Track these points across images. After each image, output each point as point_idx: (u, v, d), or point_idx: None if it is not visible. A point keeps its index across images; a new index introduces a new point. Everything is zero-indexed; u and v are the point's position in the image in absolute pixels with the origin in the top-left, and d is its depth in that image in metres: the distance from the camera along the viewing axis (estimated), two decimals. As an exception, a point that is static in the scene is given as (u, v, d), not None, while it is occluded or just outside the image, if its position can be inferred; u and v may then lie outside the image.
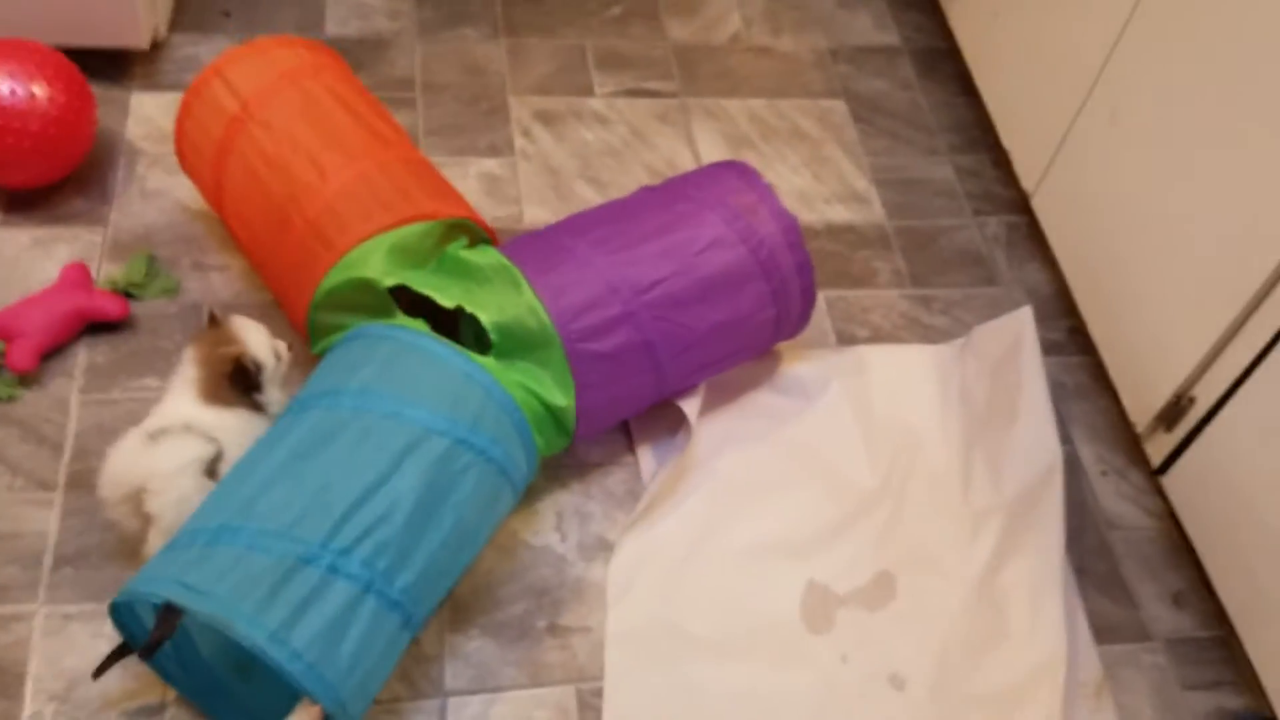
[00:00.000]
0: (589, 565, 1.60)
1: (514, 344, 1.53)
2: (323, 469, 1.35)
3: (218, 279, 1.81)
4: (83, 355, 1.69)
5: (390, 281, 1.54)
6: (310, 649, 1.24)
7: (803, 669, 1.54)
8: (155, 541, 1.41)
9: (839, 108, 2.29)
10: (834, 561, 1.65)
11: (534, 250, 1.59)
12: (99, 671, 1.31)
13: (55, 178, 1.85)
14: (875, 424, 1.80)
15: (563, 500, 1.66)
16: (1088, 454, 1.83)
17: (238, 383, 1.48)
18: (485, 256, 1.57)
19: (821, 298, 1.97)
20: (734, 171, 1.72)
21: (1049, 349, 1.91)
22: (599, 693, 1.48)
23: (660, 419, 1.72)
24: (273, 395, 1.52)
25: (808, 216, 2.09)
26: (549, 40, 2.31)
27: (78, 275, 1.73)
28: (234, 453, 1.43)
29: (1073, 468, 1.80)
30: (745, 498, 1.69)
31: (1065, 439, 1.83)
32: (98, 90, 1.94)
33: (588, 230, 1.62)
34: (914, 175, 2.20)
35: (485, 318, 1.53)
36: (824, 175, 2.17)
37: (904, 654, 1.56)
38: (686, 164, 2.13)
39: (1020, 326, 1.83)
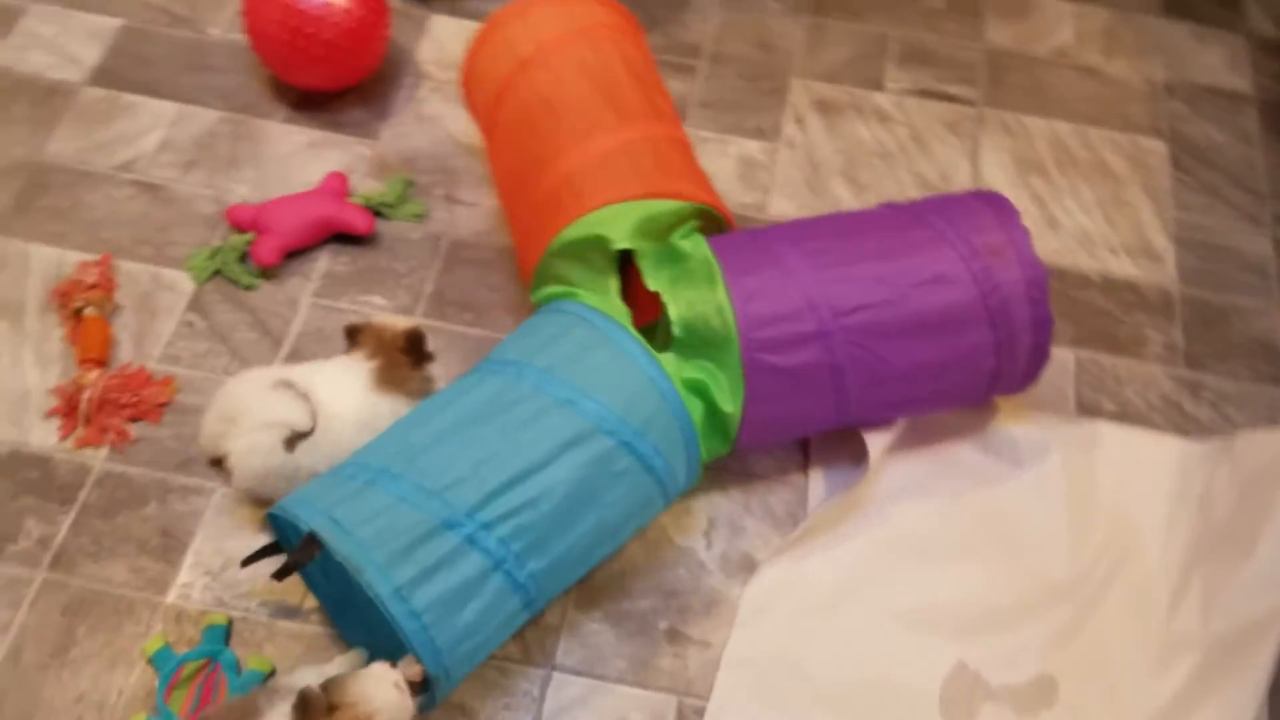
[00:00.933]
0: (727, 580, 1.54)
1: (697, 340, 1.48)
2: (488, 440, 1.36)
3: (464, 215, 1.87)
4: (323, 261, 1.80)
5: (624, 245, 1.52)
6: (429, 611, 1.27)
7: (922, 752, 1.42)
8: (236, 480, 1.48)
9: (1158, 149, 2.03)
10: (995, 649, 1.49)
11: (744, 249, 1.51)
12: (247, 562, 1.41)
13: (342, 85, 1.97)
14: (1090, 511, 1.60)
15: (720, 507, 1.60)
16: (1340, 610, 1.54)
17: (415, 354, 1.53)
18: (696, 246, 1.52)
19: (1071, 357, 1.77)
20: (991, 206, 1.56)
21: (1331, 476, 1.63)
22: (700, 712, 1.43)
23: (844, 445, 1.61)
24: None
25: (1084, 263, 1.88)
26: (852, 23, 2.19)
27: (336, 185, 1.84)
28: (333, 443, 1.45)
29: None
30: (913, 555, 1.56)
31: (1317, 585, 1.56)
32: (399, 5, 2.03)
33: (806, 239, 1.53)
34: (1224, 241, 1.92)
35: (674, 312, 1.48)
36: (1118, 221, 1.94)
37: (1042, 772, 1.40)
38: (962, 180, 1.97)
39: (1293, 444, 1.57)
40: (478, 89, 1.76)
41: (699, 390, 1.48)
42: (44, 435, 1.59)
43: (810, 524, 1.56)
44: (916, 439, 1.65)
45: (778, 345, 1.44)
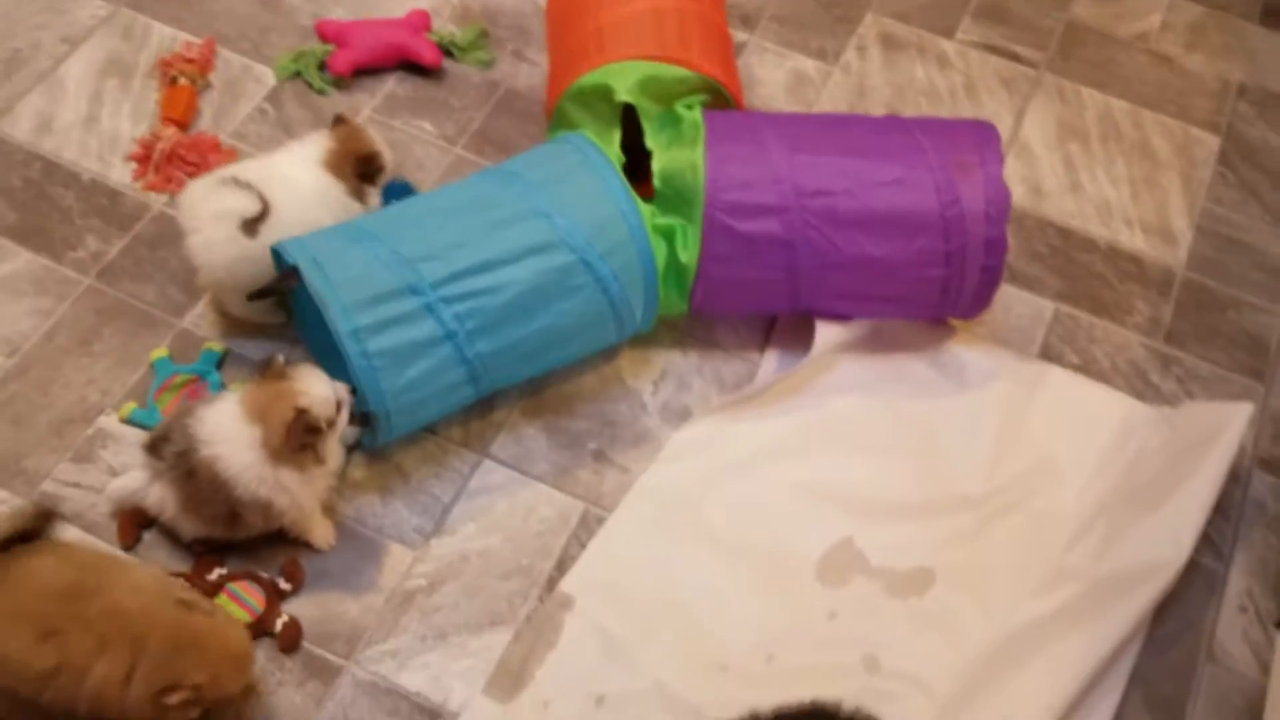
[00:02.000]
0: (661, 424, 1.67)
1: (672, 194, 1.61)
2: (465, 229, 1.54)
3: (525, 70, 2.03)
4: (390, 83, 2.00)
5: (625, 98, 1.66)
6: (380, 357, 1.46)
7: (785, 603, 1.52)
8: (200, 278, 1.63)
9: (1209, 143, 2.04)
10: (885, 535, 1.59)
11: (733, 122, 1.64)
12: (251, 297, 1.61)
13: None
14: (1016, 442, 1.67)
15: (675, 363, 1.73)
16: (1238, 583, 1.58)
17: (363, 171, 1.65)
18: (691, 113, 1.65)
19: (1051, 309, 1.83)
20: (977, 131, 1.64)
21: (1276, 467, 1.66)
22: (601, 521, 1.58)
23: (802, 336, 1.71)
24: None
25: (1095, 229, 1.92)
26: (942, -26, 2.26)
27: (417, 20, 2.03)
28: (286, 219, 1.55)
29: (1212, 586, 1.58)
30: (837, 441, 1.67)
31: (1222, 557, 1.60)
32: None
33: (792, 125, 1.64)
34: (1245, 238, 1.93)
35: (656, 165, 1.62)
36: (1144, 199, 1.97)
37: (895, 647, 1.49)
38: (1001, 132, 2.02)
39: (1230, 420, 1.60)
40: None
41: (667, 236, 1.61)
42: (122, 174, 1.84)
43: (750, 392, 1.68)
44: (873, 346, 1.74)
45: (738, 210, 1.56)
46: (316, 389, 1.41)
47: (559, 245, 1.53)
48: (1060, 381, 1.73)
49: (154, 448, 1.45)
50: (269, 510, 1.44)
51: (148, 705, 1.25)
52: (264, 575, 1.49)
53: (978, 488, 1.64)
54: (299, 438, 1.39)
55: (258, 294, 1.57)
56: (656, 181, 1.62)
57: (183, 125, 1.89)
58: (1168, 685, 1.50)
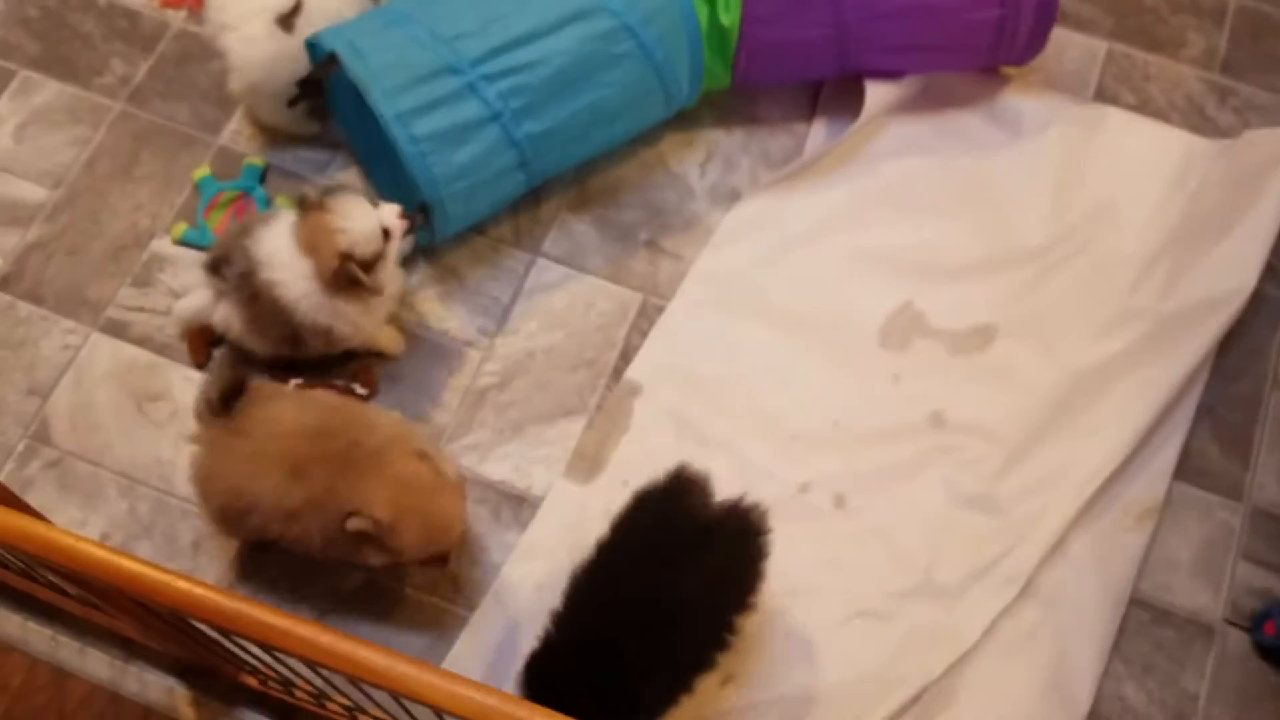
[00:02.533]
0: (710, 207, 1.66)
1: (712, -45, 1.54)
2: (497, 3, 1.48)
3: None
4: None
5: None
6: (428, 140, 1.43)
7: (852, 368, 1.54)
8: (233, 81, 1.57)
9: None
10: (945, 296, 1.59)
11: (770, -126, 1.54)
12: (292, 102, 1.58)
13: None
14: (1075, 187, 1.64)
15: (720, 142, 1.70)
16: (1301, 310, 1.58)
17: None
18: None
19: (1104, 48, 1.76)
20: None
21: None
22: (661, 310, 1.59)
23: (850, 101, 1.66)
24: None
25: (1146, -40, 1.83)
26: None
27: None
28: (320, 12, 1.51)
29: (1276, 315, 1.57)
30: (892, 205, 1.65)
31: (1283, 285, 1.59)
32: None
33: None
34: (1311, -44, 1.83)
35: (696, -77, 1.54)
36: (1197, -77, 1.86)
37: (959, 401, 1.52)
38: None
39: (1290, 145, 1.56)
40: None
41: (708, 3, 1.55)
42: (135, -5, 1.79)
43: (800, 165, 1.65)
44: (925, 103, 1.69)
45: (782, -37, 1.50)
46: (359, 224, 1.38)
47: (599, 10, 1.47)
48: (1117, 122, 1.68)
49: (215, 267, 1.45)
50: (330, 336, 1.45)
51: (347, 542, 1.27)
52: (339, 382, 1.53)
53: (1038, 238, 1.62)
54: (347, 279, 1.38)
55: (299, 92, 1.54)
56: (694, -57, 1.55)
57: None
58: (1235, 414, 1.52)
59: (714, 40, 1.56)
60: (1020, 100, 1.69)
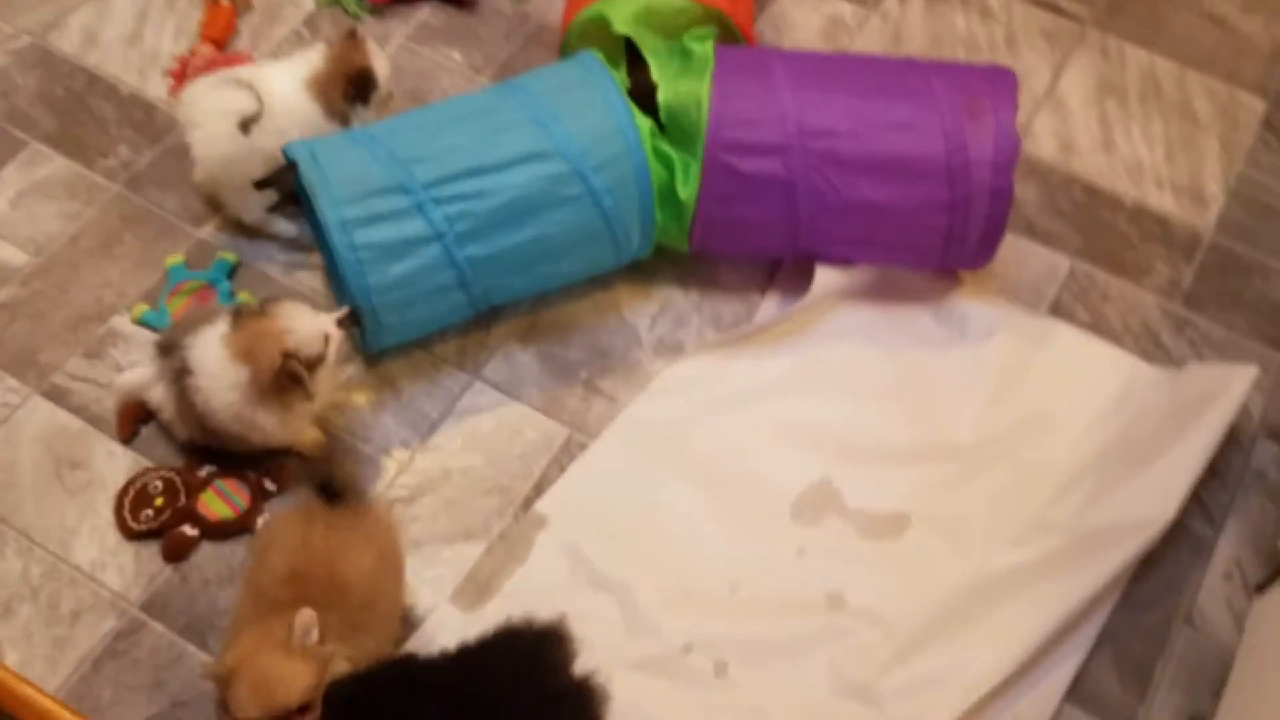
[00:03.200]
0: (654, 357, 1.68)
1: (677, 129, 1.61)
2: (462, 134, 1.56)
3: (557, 6, 2.02)
4: (423, 12, 2.02)
5: (622, 30, 1.67)
6: (367, 249, 1.49)
7: (760, 535, 1.53)
8: (196, 172, 1.66)
9: (1255, 107, 1.96)
10: (865, 477, 1.58)
11: (742, 57, 1.62)
12: (260, 184, 1.65)
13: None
14: (1012, 396, 1.64)
15: (675, 299, 1.74)
16: (1227, 550, 1.53)
17: (354, 90, 1.66)
18: (703, 47, 1.64)
19: (1066, 265, 1.79)
20: (990, 75, 1.60)
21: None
22: (584, 448, 1.60)
23: (807, 279, 1.69)
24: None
25: (1123, 188, 1.87)
26: (994, -75, 2.21)
27: (456, -50, 2.05)
28: (282, 124, 1.60)
29: (1199, 551, 1.54)
30: (829, 385, 1.65)
31: (1214, 523, 1.55)
32: None
33: (803, 62, 1.62)
34: (1282, 206, 1.86)
35: (661, 97, 1.61)
36: (1178, 161, 1.90)
37: (860, 586, 1.49)
38: (1036, 86, 1.98)
39: (1233, 381, 1.55)
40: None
41: (667, 165, 1.61)
42: (158, 88, 1.90)
43: (747, 331, 1.68)
44: (877, 293, 1.72)
45: (740, 148, 1.56)
46: (303, 326, 1.42)
47: (553, 154, 1.54)
48: (1066, 338, 1.69)
49: (163, 350, 1.50)
50: (247, 442, 1.48)
51: None
52: (251, 475, 1.55)
53: (967, 436, 1.61)
54: (290, 376, 1.40)
55: (261, 183, 1.63)
56: (661, 115, 1.62)
57: (220, 44, 1.95)
58: (1139, 645, 1.46)
59: (671, 206, 1.62)
60: (970, 304, 1.71)
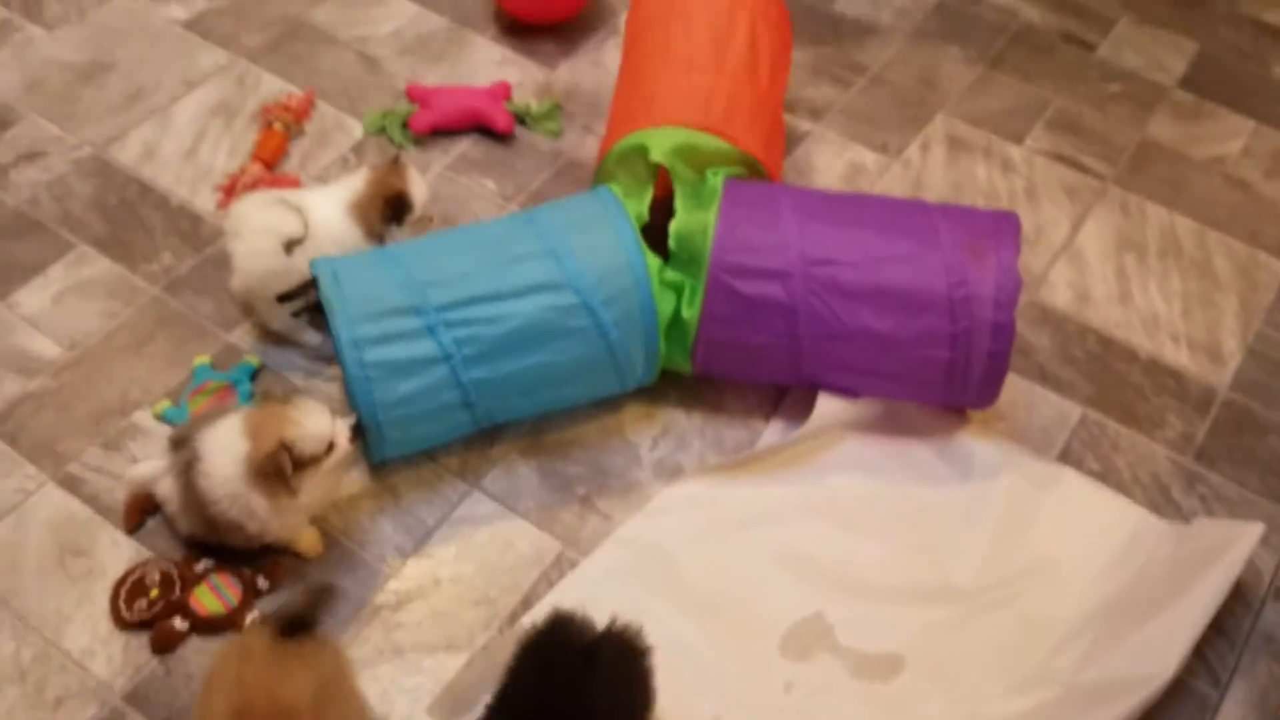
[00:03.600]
0: (652, 479, 1.69)
1: (685, 253, 1.65)
2: (477, 262, 1.62)
3: (591, 143, 2.14)
4: (464, 144, 2.13)
5: (658, 159, 1.73)
6: (376, 368, 1.54)
7: (743, 668, 1.49)
8: (234, 281, 1.73)
9: (1276, 268, 1.97)
10: (860, 614, 1.55)
11: (754, 190, 1.68)
12: (280, 298, 1.72)
13: (545, 19, 2.31)
14: (1015, 541, 1.61)
15: (678, 422, 1.75)
16: (1232, 712, 1.47)
17: (391, 211, 1.75)
18: (716, 179, 1.70)
19: (1077, 413, 1.77)
20: (995, 218, 1.63)
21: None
22: (574, 564, 1.59)
23: (811, 409, 1.71)
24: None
25: (1139, 341, 1.87)
26: (1021, 83, 2.28)
27: (498, 89, 2.17)
28: (324, 248, 1.68)
29: (1202, 713, 1.47)
30: (828, 517, 1.64)
31: (1218, 684, 1.49)
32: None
33: (810, 197, 1.67)
34: (1302, 367, 1.84)
35: (673, 226, 1.67)
36: (1195, 317, 1.90)
37: (846, 729, 1.44)
38: (1055, 237, 2.01)
39: (1239, 538, 1.51)
40: (633, 19, 2.03)
41: (676, 290, 1.65)
42: (206, 201, 2.01)
43: (747, 456, 1.68)
44: (881, 427, 1.72)
45: (743, 272, 1.59)
46: (311, 423, 1.46)
47: (564, 286, 1.59)
48: (1072, 484, 1.67)
49: (175, 443, 1.55)
50: (242, 531, 1.50)
51: None
52: (246, 571, 1.57)
53: (967, 580, 1.58)
54: (275, 465, 1.44)
55: (284, 296, 1.70)
56: (671, 242, 1.67)
57: (270, 165, 2.06)
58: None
59: (676, 330, 1.65)
60: (975, 443, 1.70)
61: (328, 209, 1.73)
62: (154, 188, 2.02)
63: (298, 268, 1.68)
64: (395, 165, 1.80)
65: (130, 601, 1.54)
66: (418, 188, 1.79)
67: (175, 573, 1.56)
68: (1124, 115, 2.22)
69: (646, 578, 1.58)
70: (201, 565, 1.57)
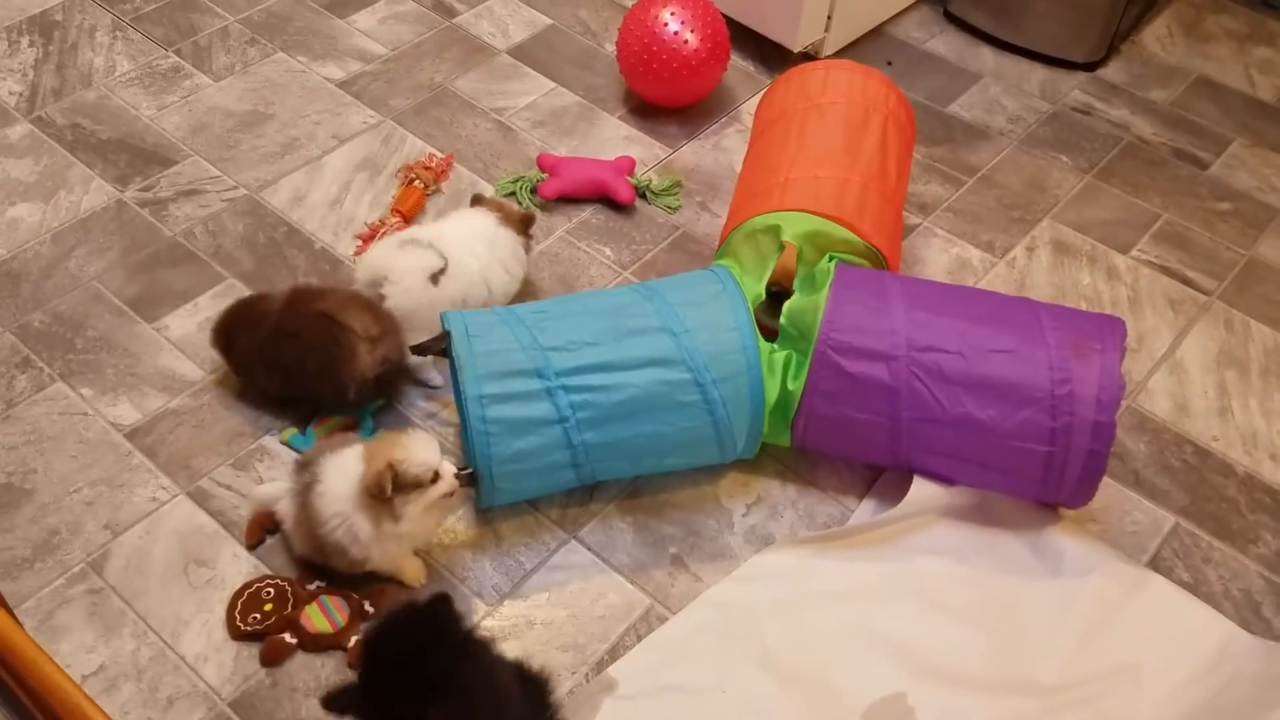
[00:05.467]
0: (743, 545, 1.74)
1: (795, 329, 1.72)
2: (599, 331, 1.71)
3: (706, 220, 2.24)
4: (587, 212, 2.24)
5: (790, 240, 1.81)
6: (496, 424, 1.64)
7: (820, 740, 1.53)
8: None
9: (1382, 394, 1.96)
10: (941, 700, 1.57)
11: (864, 275, 1.75)
12: (416, 350, 1.81)
13: (672, 104, 2.43)
14: (1102, 639, 1.62)
15: (771, 492, 1.81)
16: (1314, 837, 1.45)
17: (524, 226, 1.98)
18: (830, 263, 1.77)
19: (1171, 522, 1.79)
20: (1101, 320, 1.68)
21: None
22: (664, 620, 1.65)
23: (905, 491, 1.75)
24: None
25: (1236, 455, 1.88)
26: (1130, 195, 2.32)
27: (623, 164, 2.28)
28: (460, 275, 1.88)
29: (1283, 835, 1.45)
30: (916, 599, 1.67)
31: (1303, 806, 1.47)
32: (745, 64, 2.49)
33: (920, 286, 1.73)
34: (1405, 495, 1.82)
35: (787, 304, 1.74)
36: (1298, 436, 1.91)
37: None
38: (1156, 347, 2.03)
39: (1332, 659, 1.50)
40: (766, 108, 2.14)
41: (784, 365, 1.71)
42: (346, 247, 2.15)
43: (838, 531, 1.73)
44: (973, 516, 1.75)
45: (850, 351, 1.66)
46: (419, 451, 1.55)
47: (678, 362, 1.67)
48: (1161, 591, 1.68)
49: (300, 466, 1.66)
50: (346, 555, 1.59)
51: None
52: (354, 595, 1.65)
53: (1051, 677, 1.59)
54: (382, 484, 1.52)
55: (418, 349, 1.80)
56: (783, 319, 1.74)
57: (407, 219, 2.19)
58: None
59: (778, 402, 1.72)
60: (1067, 540, 1.72)
61: (478, 226, 1.94)
62: (300, 230, 2.17)
63: (443, 297, 1.87)
64: (488, 200, 2.02)
65: (246, 613, 1.63)
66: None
67: (289, 590, 1.65)
68: (1233, 234, 2.25)
69: (732, 641, 1.62)
70: (314, 585, 1.66)
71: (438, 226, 1.96)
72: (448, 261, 1.87)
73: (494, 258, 1.93)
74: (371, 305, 1.83)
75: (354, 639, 1.61)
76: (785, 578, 1.69)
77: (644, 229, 2.22)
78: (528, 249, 1.99)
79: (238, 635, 1.62)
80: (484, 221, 1.95)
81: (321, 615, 1.63)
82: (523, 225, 1.99)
